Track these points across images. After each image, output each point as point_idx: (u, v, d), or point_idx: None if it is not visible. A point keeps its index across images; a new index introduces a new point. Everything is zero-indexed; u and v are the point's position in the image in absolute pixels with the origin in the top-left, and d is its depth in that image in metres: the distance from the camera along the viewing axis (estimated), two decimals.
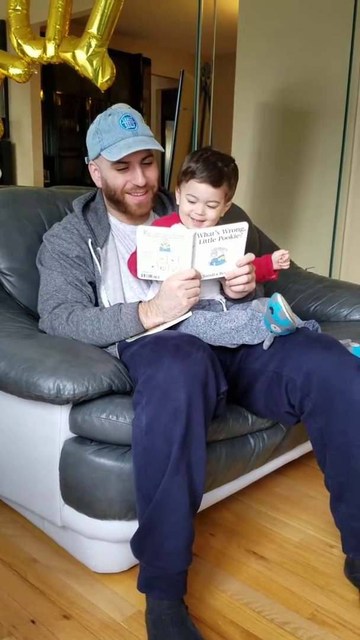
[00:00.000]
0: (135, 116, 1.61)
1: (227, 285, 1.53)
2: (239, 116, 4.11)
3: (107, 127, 1.58)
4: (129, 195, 1.65)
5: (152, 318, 1.48)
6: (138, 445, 1.27)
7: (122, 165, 1.59)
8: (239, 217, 2.50)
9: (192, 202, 1.52)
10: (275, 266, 1.61)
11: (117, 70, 3.20)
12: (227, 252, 1.46)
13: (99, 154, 1.62)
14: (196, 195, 1.50)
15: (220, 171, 1.49)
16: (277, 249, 1.70)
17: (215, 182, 1.49)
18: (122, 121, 1.57)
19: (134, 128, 1.58)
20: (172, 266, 1.46)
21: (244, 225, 1.45)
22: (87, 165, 1.71)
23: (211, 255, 1.45)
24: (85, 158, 1.71)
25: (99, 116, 1.64)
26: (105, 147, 1.59)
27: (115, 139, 1.57)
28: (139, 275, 1.52)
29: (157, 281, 1.54)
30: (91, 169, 1.71)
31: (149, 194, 1.67)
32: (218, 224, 1.62)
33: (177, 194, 1.59)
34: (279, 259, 1.60)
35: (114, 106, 1.68)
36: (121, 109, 1.62)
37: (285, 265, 1.61)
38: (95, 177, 1.71)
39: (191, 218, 1.53)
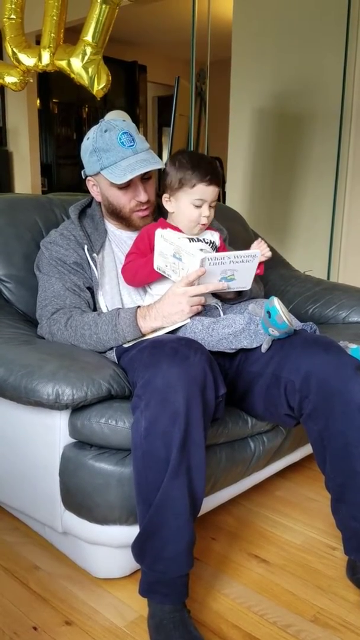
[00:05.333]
0: (132, 130, 1.61)
1: None
2: (234, 121, 4.12)
3: (106, 146, 1.58)
4: (135, 213, 1.66)
5: (150, 322, 1.49)
6: (137, 449, 1.27)
7: (125, 184, 1.60)
8: (236, 220, 2.51)
9: (197, 207, 1.54)
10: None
11: (112, 77, 3.20)
12: (237, 273, 1.48)
13: (99, 172, 1.62)
14: (204, 198, 1.54)
15: (215, 169, 1.54)
16: (275, 252, 1.70)
17: (217, 182, 1.54)
18: (120, 139, 1.57)
19: (133, 145, 1.58)
20: (182, 273, 1.47)
21: (257, 252, 1.47)
22: (85, 179, 1.71)
23: (220, 275, 1.47)
24: (82, 172, 1.70)
25: (93, 131, 1.63)
26: (105, 166, 1.59)
27: (115, 158, 1.58)
28: (154, 267, 1.53)
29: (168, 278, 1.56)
30: (89, 184, 1.71)
31: (150, 208, 1.69)
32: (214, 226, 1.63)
33: (167, 203, 1.59)
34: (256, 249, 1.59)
35: (108, 117, 1.68)
36: (116, 122, 1.61)
37: (267, 254, 1.57)
38: (94, 192, 1.71)
39: (201, 224, 1.55)
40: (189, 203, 1.55)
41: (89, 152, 1.62)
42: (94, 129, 1.63)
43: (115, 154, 1.57)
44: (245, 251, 1.46)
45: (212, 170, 1.53)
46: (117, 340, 1.51)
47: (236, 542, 1.70)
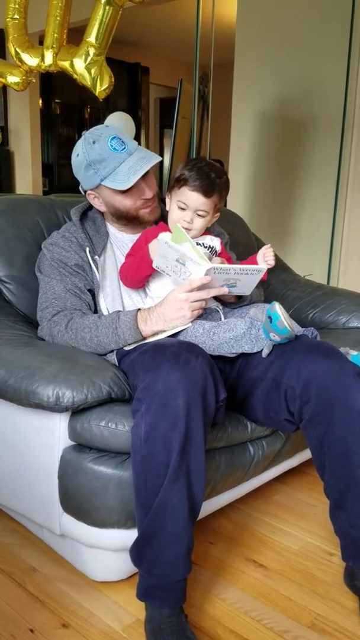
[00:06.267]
0: (118, 133, 1.59)
1: None
2: (237, 125, 4.13)
3: (99, 157, 1.57)
4: (142, 210, 1.66)
5: (151, 326, 1.48)
6: (137, 453, 1.27)
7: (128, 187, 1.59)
8: (237, 225, 2.51)
9: (182, 209, 1.54)
10: (263, 265, 1.60)
11: (115, 78, 3.20)
12: (239, 282, 1.48)
13: (99, 184, 1.61)
14: (187, 202, 1.52)
15: (213, 182, 1.52)
16: (275, 256, 1.68)
17: (206, 192, 1.52)
18: (111, 145, 1.56)
19: (125, 148, 1.57)
20: (183, 275, 1.47)
21: (263, 268, 1.47)
22: (84, 193, 1.70)
23: (223, 282, 1.47)
24: (80, 188, 1.69)
25: (81, 146, 1.60)
26: (105, 176, 1.58)
27: (113, 165, 1.57)
28: (153, 265, 1.52)
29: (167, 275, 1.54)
30: (90, 197, 1.69)
31: (156, 201, 1.69)
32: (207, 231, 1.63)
33: (167, 201, 1.60)
34: (263, 257, 1.58)
35: (109, 120, 1.67)
36: (99, 130, 1.60)
37: (271, 262, 1.57)
38: (97, 203, 1.70)
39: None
40: (174, 204, 1.56)
41: (84, 168, 1.61)
42: (80, 144, 1.61)
43: (111, 162, 1.57)
44: (251, 266, 1.45)
45: (204, 179, 1.51)
46: (117, 344, 1.51)
47: (234, 547, 1.70)
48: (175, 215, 1.55)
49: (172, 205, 1.57)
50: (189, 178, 1.51)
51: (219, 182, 1.53)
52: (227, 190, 1.59)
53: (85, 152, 1.59)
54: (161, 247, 1.45)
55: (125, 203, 1.63)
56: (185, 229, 1.54)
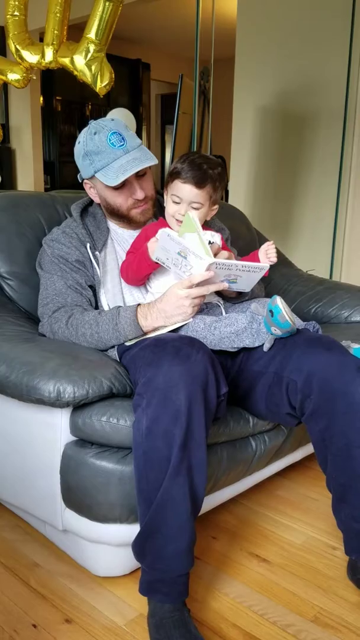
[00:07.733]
0: (121, 129, 1.60)
1: None
2: (238, 119, 4.12)
3: (96, 149, 1.57)
4: (133, 210, 1.66)
5: (151, 322, 1.48)
6: (138, 447, 1.27)
7: (119, 185, 1.59)
8: (238, 220, 2.50)
9: (176, 203, 1.54)
10: (265, 261, 1.60)
11: (116, 75, 3.20)
12: (240, 278, 1.47)
13: (93, 175, 1.62)
14: (180, 195, 1.52)
15: (205, 173, 1.51)
16: (277, 251, 1.68)
17: (198, 183, 1.51)
18: (110, 140, 1.56)
19: (123, 145, 1.57)
20: (184, 269, 1.46)
21: (266, 266, 1.46)
22: (81, 182, 1.71)
23: (224, 277, 1.46)
24: (78, 176, 1.70)
25: (83, 135, 1.62)
26: (98, 169, 1.59)
27: (107, 160, 1.57)
28: (153, 257, 1.51)
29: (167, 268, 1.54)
30: (86, 187, 1.71)
31: (149, 203, 1.68)
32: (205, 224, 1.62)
33: (165, 196, 1.60)
34: (265, 254, 1.57)
35: (110, 115, 1.67)
36: (105, 122, 1.60)
37: (274, 259, 1.57)
38: (92, 193, 1.71)
39: (175, 219, 1.54)
40: (169, 198, 1.56)
41: (82, 156, 1.62)
42: (83, 132, 1.62)
43: (106, 156, 1.57)
44: (254, 263, 1.45)
45: (196, 170, 1.50)
46: (118, 339, 1.50)
47: (237, 542, 1.70)
48: (170, 209, 1.56)
49: (167, 199, 1.57)
50: (181, 171, 1.51)
51: (211, 172, 1.52)
52: (223, 182, 1.59)
53: (85, 141, 1.60)
54: (163, 240, 1.44)
55: (117, 200, 1.63)
56: (181, 222, 1.54)
